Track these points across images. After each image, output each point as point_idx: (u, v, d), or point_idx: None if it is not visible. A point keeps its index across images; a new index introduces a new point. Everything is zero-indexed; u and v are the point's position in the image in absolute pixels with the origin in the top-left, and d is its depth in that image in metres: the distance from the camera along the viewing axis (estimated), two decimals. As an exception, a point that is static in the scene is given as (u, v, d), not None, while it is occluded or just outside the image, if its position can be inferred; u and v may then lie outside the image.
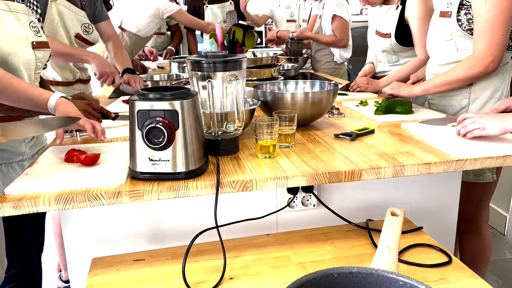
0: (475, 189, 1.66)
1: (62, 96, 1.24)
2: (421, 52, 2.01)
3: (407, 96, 1.73)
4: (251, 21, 3.91)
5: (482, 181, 1.65)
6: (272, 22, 4.21)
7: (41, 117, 1.74)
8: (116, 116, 1.58)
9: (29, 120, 1.45)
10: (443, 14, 1.62)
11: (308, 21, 3.41)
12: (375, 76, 2.34)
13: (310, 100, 1.46)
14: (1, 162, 1.42)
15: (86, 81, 2.25)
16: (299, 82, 1.70)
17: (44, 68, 1.56)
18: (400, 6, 2.07)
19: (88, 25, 2.09)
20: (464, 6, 1.54)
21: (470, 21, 1.53)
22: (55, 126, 1.18)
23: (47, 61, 1.54)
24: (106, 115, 1.54)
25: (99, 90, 2.65)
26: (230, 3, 3.90)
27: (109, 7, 2.46)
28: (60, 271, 2.33)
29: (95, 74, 2.02)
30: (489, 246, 1.78)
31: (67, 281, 2.28)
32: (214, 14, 3.86)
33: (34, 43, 1.41)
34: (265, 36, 3.85)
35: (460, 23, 1.56)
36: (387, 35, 2.14)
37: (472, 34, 1.55)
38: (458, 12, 1.56)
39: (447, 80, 1.61)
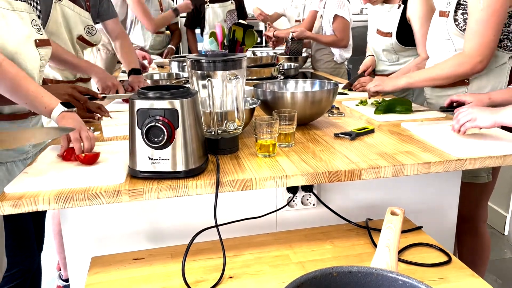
0: (473, 189, 1.66)
1: (65, 111, 1.23)
2: (424, 52, 2.00)
3: (392, 90, 1.72)
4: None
5: (477, 181, 1.65)
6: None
7: (45, 122, 1.75)
8: (104, 98, 1.56)
9: (33, 126, 1.44)
10: (442, 14, 1.62)
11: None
12: (375, 72, 2.34)
13: (310, 99, 1.46)
14: (7, 161, 1.42)
15: (87, 79, 2.25)
16: (299, 81, 1.70)
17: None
18: (402, 6, 2.06)
19: (92, 27, 2.08)
20: (461, 6, 1.54)
21: (467, 21, 1.53)
22: (54, 135, 1.22)
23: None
24: (93, 96, 1.51)
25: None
26: (231, 2, 3.90)
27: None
28: (60, 270, 2.33)
29: (98, 89, 2.00)
30: (487, 246, 1.78)
31: (66, 280, 2.27)
32: (215, 13, 3.86)
33: (37, 41, 1.41)
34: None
35: (457, 23, 1.56)
36: (388, 34, 2.13)
37: None
38: (456, 12, 1.56)
39: (433, 75, 1.60)
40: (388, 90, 1.74)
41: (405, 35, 2.09)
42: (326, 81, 1.65)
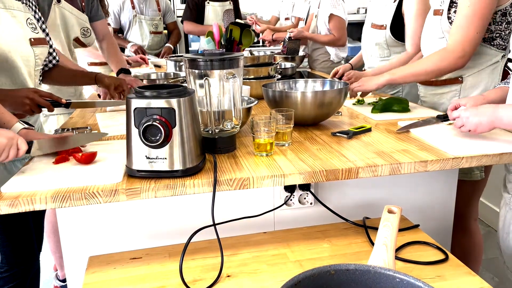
0: (464, 187, 1.66)
1: (24, 128, 1.22)
2: (411, 47, 2.01)
3: (375, 88, 1.71)
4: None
5: (470, 179, 1.65)
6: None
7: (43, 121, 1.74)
8: (68, 103, 1.50)
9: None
10: (436, 12, 1.63)
11: (306, 20, 3.42)
12: (365, 70, 2.36)
13: (320, 100, 1.44)
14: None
15: None
16: (309, 81, 1.68)
17: (46, 66, 1.55)
18: (398, 0, 2.07)
19: (87, 29, 2.09)
20: (454, 4, 1.54)
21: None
22: (81, 142, 1.26)
23: (54, 59, 1.54)
24: (56, 102, 1.46)
25: (94, 88, 2.62)
26: (229, 3, 3.93)
27: (103, 6, 2.46)
28: (57, 270, 2.32)
29: (99, 96, 1.99)
30: (479, 244, 1.78)
31: (63, 280, 2.27)
32: (214, 12, 3.89)
33: (32, 39, 1.40)
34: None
35: (450, 20, 1.56)
36: (382, 27, 2.13)
37: None
38: (449, 10, 1.57)
39: (416, 71, 1.60)
40: (370, 89, 1.73)
41: (399, 29, 2.09)
42: (337, 81, 1.63)
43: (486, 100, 1.39)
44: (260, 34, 3.87)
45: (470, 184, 1.67)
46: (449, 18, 1.57)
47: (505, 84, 1.39)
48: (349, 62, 2.50)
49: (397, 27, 2.09)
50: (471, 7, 1.44)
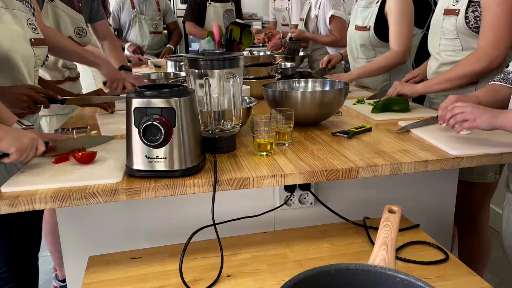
0: (477, 190, 1.65)
1: (23, 128, 1.20)
2: (395, 45, 2.02)
3: (410, 93, 1.71)
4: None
5: (485, 181, 1.64)
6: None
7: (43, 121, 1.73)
8: (64, 100, 1.50)
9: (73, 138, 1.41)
10: (449, 12, 1.59)
11: (305, 20, 3.42)
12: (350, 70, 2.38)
13: (320, 100, 1.45)
14: None
15: (76, 78, 2.25)
16: (309, 81, 1.68)
17: (41, 66, 1.55)
18: (380, 1, 2.08)
19: (82, 29, 2.07)
20: (472, 3, 1.51)
21: (478, 19, 1.51)
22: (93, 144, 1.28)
23: (46, 57, 1.53)
24: (53, 98, 1.47)
25: (92, 87, 2.60)
26: (231, 3, 3.93)
27: (105, 6, 2.45)
28: (56, 270, 2.32)
29: (104, 84, 1.95)
30: (488, 249, 1.77)
31: (63, 280, 2.27)
32: (215, 12, 3.89)
33: (33, 40, 1.40)
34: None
35: (467, 20, 1.53)
36: (366, 28, 2.15)
37: (478, 32, 1.52)
38: (466, 10, 1.53)
39: (450, 76, 1.58)
40: (405, 93, 1.72)
41: (382, 30, 2.10)
42: (337, 80, 1.64)
43: (478, 101, 1.31)
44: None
45: (484, 186, 1.65)
46: (466, 18, 1.54)
47: (499, 82, 1.36)
48: (340, 52, 2.55)
49: (381, 27, 2.11)
50: (500, 6, 1.42)
